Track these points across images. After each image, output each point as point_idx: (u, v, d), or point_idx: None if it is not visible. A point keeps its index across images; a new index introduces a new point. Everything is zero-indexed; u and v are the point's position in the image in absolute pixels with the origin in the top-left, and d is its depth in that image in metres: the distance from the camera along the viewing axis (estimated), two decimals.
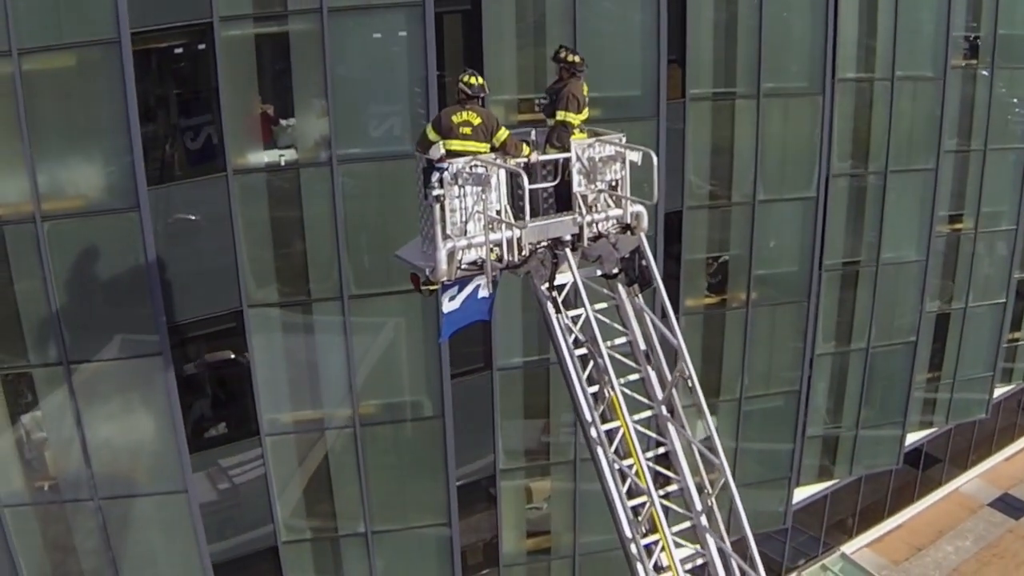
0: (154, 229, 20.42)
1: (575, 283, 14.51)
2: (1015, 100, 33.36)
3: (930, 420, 36.57)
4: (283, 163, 21.66)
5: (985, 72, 32.30)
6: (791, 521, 32.59)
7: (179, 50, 21.13)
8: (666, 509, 14.74)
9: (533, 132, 15.51)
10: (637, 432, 14.84)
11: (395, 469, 24.88)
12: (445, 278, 13.89)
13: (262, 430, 23.24)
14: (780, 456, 31.02)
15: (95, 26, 19.06)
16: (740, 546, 14.69)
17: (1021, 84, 33.30)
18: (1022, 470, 43.04)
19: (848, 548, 37.84)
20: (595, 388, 15.01)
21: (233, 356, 23.17)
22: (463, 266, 14.00)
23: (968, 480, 41.75)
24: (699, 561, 15.19)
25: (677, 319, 26.43)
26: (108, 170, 20.19)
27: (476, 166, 13.91)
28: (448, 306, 15.17)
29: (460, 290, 15.02)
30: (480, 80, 14.40)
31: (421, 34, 21.17)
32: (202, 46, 20.58)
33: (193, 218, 21.49)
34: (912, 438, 36.35)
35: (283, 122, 21.77)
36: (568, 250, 14.43)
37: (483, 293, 15.28)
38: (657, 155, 23.24)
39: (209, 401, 23.77)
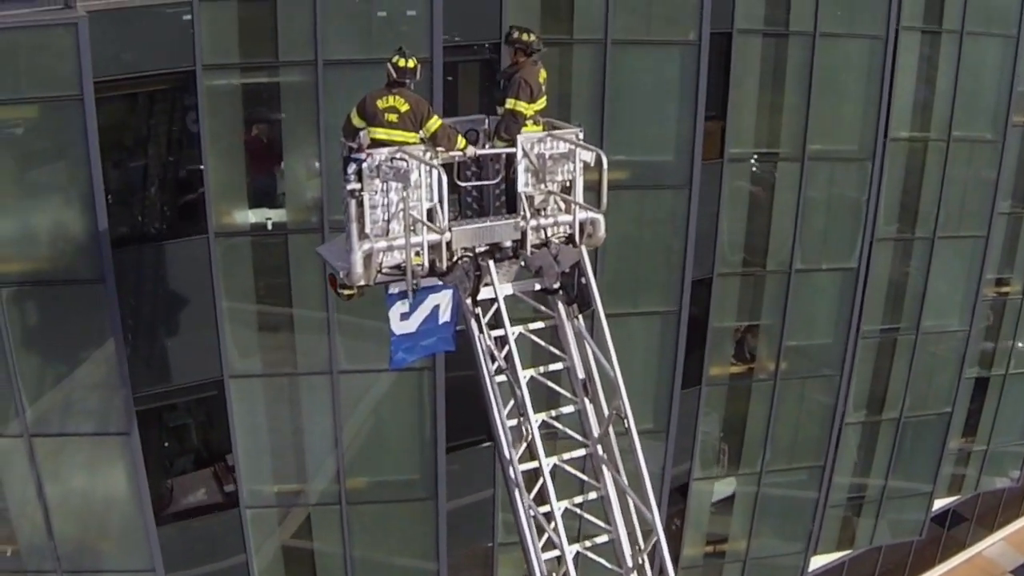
0: (127, 291, 17.85)
1: (503, 298, 12.71)
2: None
3: (958, 486, 33.60)
4: (270, 226, 18.83)
5: None
6: None
7: (157, 100, 18.31)
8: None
9: (487, 120, 13.31)
10: (564, 474, 13.40)
11: (383, 547, 22.20)
12: (362, 282, 12.04)
13: (242, 502, 20.52)
14: (797, 529, 28.06)
15: (57, 81, 16.32)
16: None
17: None
18: None
19: None
20: (515, 421, 12.96)
21: (213, 425, 20.56)
22: (385, 270, 12.14)
23: (993, 543, 38.79)
24: None
25: (700, 390, 24.47)
26: (72, 236, 17.32)
27: (398, 158, 11.60)
28: (400, 326, 12.80)
29: (414, 307, 12.70)
30: (412, 62, 12.21)
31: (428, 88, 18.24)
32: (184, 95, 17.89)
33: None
34: (938, 502, 33.49)
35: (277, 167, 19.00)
36: (491, 261, 12.53)
37: (445, 316, 12.96)
38: (688, 224, 21.25)
39: (188, 469, 21.08)
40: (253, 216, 18.69)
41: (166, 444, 20.60)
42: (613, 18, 19.43)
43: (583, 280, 12.84)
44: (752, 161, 22.94)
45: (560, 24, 19.38)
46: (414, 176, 11.75)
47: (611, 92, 19.87)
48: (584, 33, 19.55)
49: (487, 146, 12.86)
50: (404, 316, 12.90)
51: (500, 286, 12.64)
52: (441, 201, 11.76)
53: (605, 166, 12.08)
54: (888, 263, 26.02)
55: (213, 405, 19.91)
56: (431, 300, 13.02)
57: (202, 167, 17.82)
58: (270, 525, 21.20)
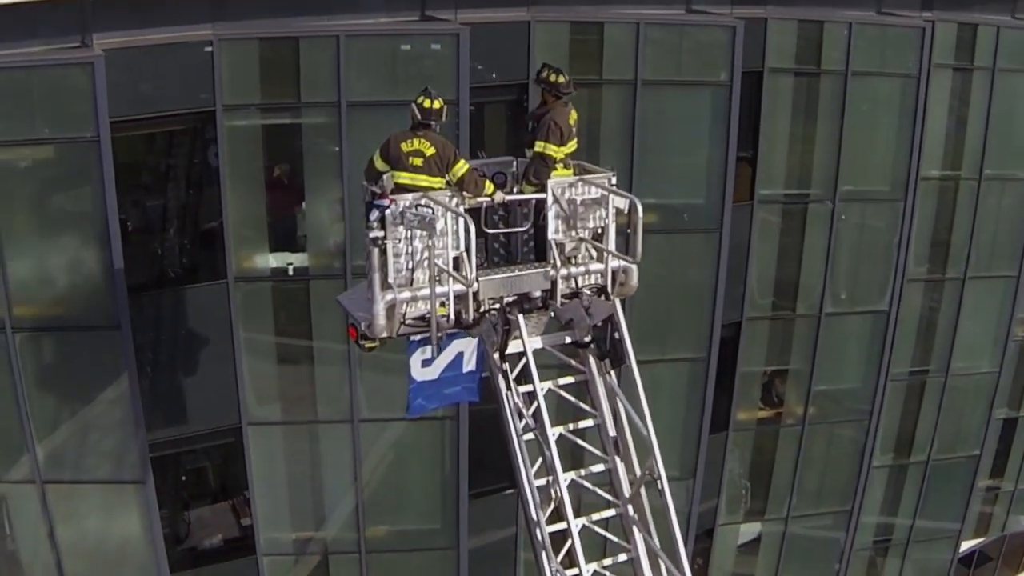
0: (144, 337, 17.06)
1: (531, 352, 11.85)
2: None
3: (985, 527, 32.38)
4: (291, 271, 17.92)
5: None
6: None
7: (176, 140, 17.50)
8: None
9: (515, 163, 12.46)
10: (593, 533, 12.55)
11: None
12: (384, 334, 11.17)
13: (259, 549, 19.50)
14: (823, 572, 26.74)
15: (72, 121, 15.49)
16: None
17: None
18: None
19: None
20: (544, 481, 12.17)
21: (231, 472, 19.63)
22: (408, 321, 11.27)
23: None
24: None
25: (727, 435, 23.44)
26: (88, 282, 16.42)
27: (422, 205, 10.82)
28: (420, 373, 12.19)
29: (437, 352, 12.10)
30: (437, 103, 11.35)
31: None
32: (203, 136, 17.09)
33: None
34: (964, 544, 32.26)
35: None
36: (520, 316, 11.65)
37: (470, 365, 12.41)
38: (719, 270, 20.27)
39: (205, 515, 20.12)
40: (274, 260, 17.80)
41: (182, 490, 19.65)
42: (643, 58, 18.58)
43: (616, 335, 11.93)
44: (828, 204, 21.95)
45: (589, 64, 18.50)
46: (440, 224, 10.89)
47: (640, 134, 18.95)
48: (613, 73, 18.67)
49: (515, 189, 12.06)
50: (426, 363, 12.20)
51: (529, 339, 11.75)
52: (468, 250, 10.85)
53: (640, 214, 11.18)
54: (918, 304, 24.94)
55: (231, 452, 18.99)
56: (455, 346, 12.24)
57: (221, 210, 16.95)
58: (287, 572, 20.26)
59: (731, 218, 20.28)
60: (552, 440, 11.85)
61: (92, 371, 17.02)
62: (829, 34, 20.79)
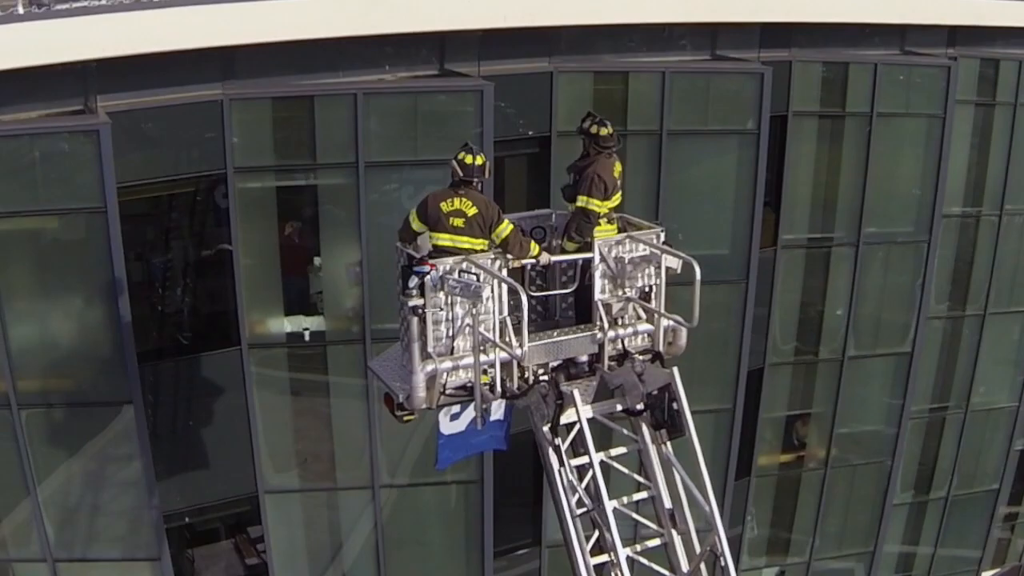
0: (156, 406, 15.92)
1: (586, 422, 10.74)
2: None
3: (1003, 557, 31.28)
4: (307, 336, 16.73)
5: None
6: None
7: (186, 205, 16.33)
8: None
9: (554, 216, 11.53)
10: None
11: None
12: (424, 406, 10.18)
13: None
14: None
15: (77, 191, 14.28)
16: None
17: None
18: None
19: None
20: (601, 559, 10.99)
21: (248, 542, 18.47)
22: (449, 391, 10.29)
23: None
24: None
25: (749, 481, 22.30)
26: (97, 356, 15.15)
27: (465, 271, 9.90)
28: (449, 427, 11.34)
29: (464, 407, 11.04)
30: (480, 159, 10.32)
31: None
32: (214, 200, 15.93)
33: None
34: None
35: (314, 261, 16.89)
36: (576, 391, 10.54)
37: (497, 414, 11.47)
38: (744, 320, 19.13)
39: None
40: (289, 325, 16.63)
41: (198, 563, 18.48)
42: (669, 107, 17.44)
43: (675, 405, 10.72)
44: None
45: (613, 114, 17.29)
46: (486, 292, 9.80)
47: (666, 184, 17.84)
48: (638, 124, 17.55)
49: (554, 243, 11.06)
50: (454, 416, 11.17)
51: (582, 408, 10.65)
52: (520, 321, 9.81)
53: (698, 276, 9.96)
54: (938, 341, 23.83)
55: (248, 521, 17.88)
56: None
57: (234, 275, 15.77)
58: None
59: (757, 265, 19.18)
60: (611, 517, 10.73)
61: (103, 445, 15.79)
62: (854, 75, 19.67)
